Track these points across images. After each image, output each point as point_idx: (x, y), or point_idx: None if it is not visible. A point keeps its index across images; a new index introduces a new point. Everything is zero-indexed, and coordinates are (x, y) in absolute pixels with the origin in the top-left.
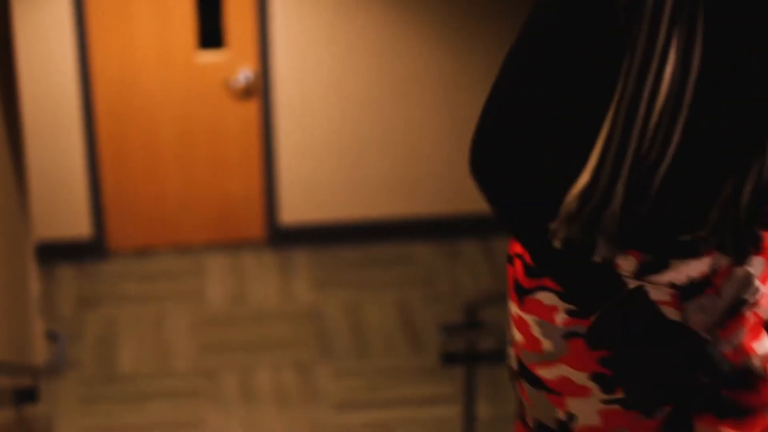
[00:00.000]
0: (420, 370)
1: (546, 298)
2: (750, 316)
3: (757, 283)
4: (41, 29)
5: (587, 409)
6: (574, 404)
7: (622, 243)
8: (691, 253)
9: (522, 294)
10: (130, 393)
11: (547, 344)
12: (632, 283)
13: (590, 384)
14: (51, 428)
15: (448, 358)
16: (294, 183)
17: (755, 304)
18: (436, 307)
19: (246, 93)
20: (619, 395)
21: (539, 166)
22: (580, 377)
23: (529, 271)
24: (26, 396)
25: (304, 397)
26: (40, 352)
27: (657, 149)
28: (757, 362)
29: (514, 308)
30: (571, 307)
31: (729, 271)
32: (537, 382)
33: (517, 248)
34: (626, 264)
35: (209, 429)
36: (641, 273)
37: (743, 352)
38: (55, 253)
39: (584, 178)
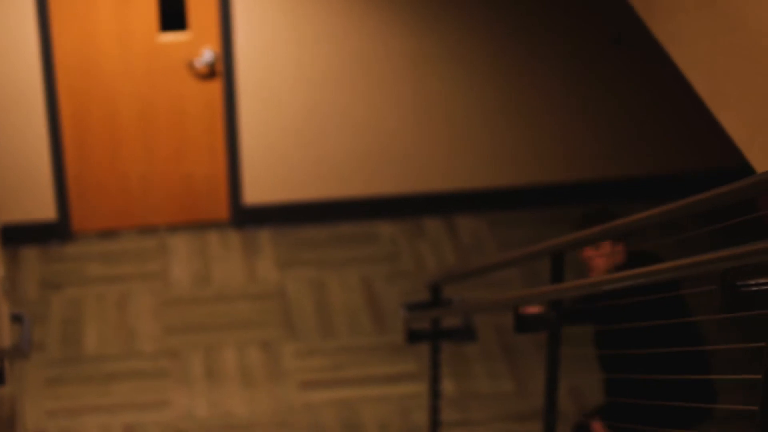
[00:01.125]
0: (384, 348)
1: None
2: None
3: None
4: (3, 14)
5: None
6: None
7: None
8: None
9: None
10: (95, 374)
11: None
12: None
13: None
14: (17, 410)
15: (413, 336)
16: (257, 163)
17: None
18: (400, 285)
19: (208, 74)
20: None
21: None
22: None
23: None
24: None
25: (269, 376)
26: (4, 335)
27: None
28: None
29: None
30: None
31: None
32: None
33: None
34: None
35: (175, 409)
36: None
37: None
38: (20, 236)
39: None
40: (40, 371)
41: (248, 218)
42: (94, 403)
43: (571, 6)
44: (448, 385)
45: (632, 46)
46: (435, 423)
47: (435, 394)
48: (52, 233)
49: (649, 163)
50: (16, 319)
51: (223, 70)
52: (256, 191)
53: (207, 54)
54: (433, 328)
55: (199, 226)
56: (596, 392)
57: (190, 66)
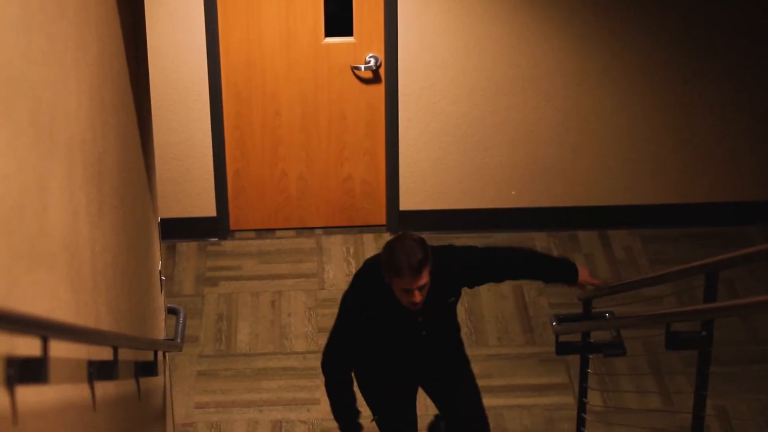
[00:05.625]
0: (533, 359)
1: None
2: None
3: None
4: (173, 14)
5: None
6: None
7: None
8: None
9: None
10: (246, 370)
11: None
12: None
13: None
14: (168, 401)
15: (562, 348)
16: (414, 169)
17: None
18: (551, 296)
19: (371, 79)
20: None
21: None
22: None
23: None
24: (146, 369)
25: None
26: (160, 327)
27: None
28: None
29: None
30: None
31: None
32: None
33: None
34: None
35: (322, 409)
36: None
37: None
38: (178, 230)
39: None
40: (192, 365)
41: (405, 223)
42: (242, 399)
43: (731, 27)
44: (594, 398)
45: None
46: None
47: (582, 406)
48: (210, 229)
49: None
50: (172, 312)
51: (386, 75)
52: (411, 197)
53: (371, 59)
54: (583, 341)
55: (356, 229)
56: (743, 412)
57: (354, 70)
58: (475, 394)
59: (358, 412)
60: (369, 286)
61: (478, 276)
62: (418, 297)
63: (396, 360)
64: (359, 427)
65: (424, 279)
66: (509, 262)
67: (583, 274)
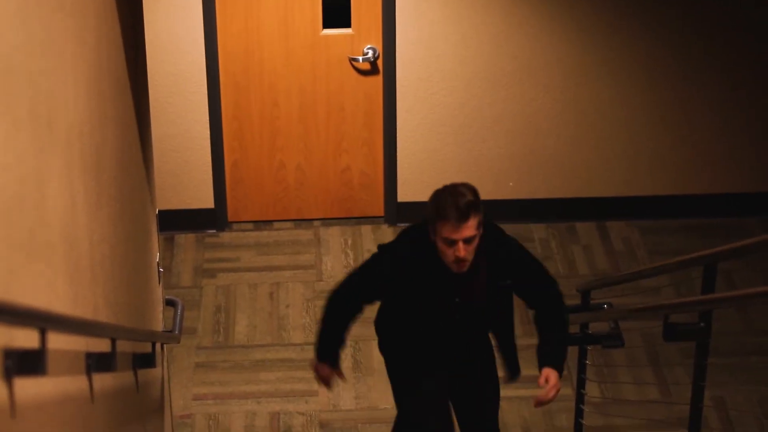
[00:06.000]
0: (531, 350)
1: None
2: None
3: None
4: (170, 5)
5: None
6: None
7: None
8: None
9: None
10: (244, 362)
11: None
12: None
13: None
14: (166, 393)
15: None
16: (412, 160)
17: None
18: None
19: (369, 71)
20: None
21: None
22: None
23: None
24: (144, 361)
25: None
26: (158, 319)
27: None
28: None
29: None
30: None
31: None
32: None
33: None
34: None
35: (320, 400)
36: None
37: None
38: (176, 222)
39: None
40: (190, 356)
41: (403, 215)
42: (240, 391)
43: (730, 20)
44: (593, 390)
45: None
46: (579, 426)
47: (580, 397)
48: (208, 221)
49: None
50: (170, 303)
51: (384, 67)
52: (409, 188)
53: (369, 50)
54: (581, 333)
55: (354, 221)
56: (740, 403)
57: (352, 62)
58: (493, 404)
59: (340, 344)
60: (412, 245)
61: (521, 272)
62: (462, 251)
63: (424, 337)
64: (336, 355)
65: (471, 229)
66: (541, 288)
67: (554, 375)
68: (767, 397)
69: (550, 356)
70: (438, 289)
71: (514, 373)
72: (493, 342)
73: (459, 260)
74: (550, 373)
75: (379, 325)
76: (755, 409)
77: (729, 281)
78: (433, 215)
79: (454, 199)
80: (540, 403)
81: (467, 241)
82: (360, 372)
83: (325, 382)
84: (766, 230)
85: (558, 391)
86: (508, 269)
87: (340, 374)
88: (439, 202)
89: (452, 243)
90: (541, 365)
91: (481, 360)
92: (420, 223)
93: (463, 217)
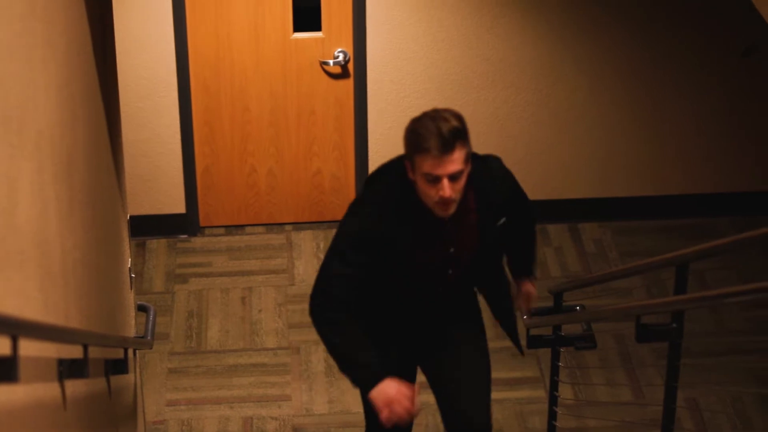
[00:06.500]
0: (504, 353)
1: None
2: None
3: None
4: (140, 9)
5: None
6: None
7: None
8: None
9: None
10: (216, 367)
11: None
12: None
13: None
14: (139, 399)
15: (533, 342)
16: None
17: None
18: None
19: (340, 74)
20: None
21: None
22: None
23: None
24: (117, 367)
25: None
26: (130, 325)
27: None
28: None
29: None
30: None
31: None
32: None
33: None
34: None
35: (294, 404)
36: None
37: None
38: (147, 227)
39: None
40: (163, 362)
41: None
42: (214, 396)
43: (702, 18)
44: (566, 392)
45: (763, 59)
46: (552, 429)
47: (553, 399)
48: (179, 226)
49: None
50: (142, 309)
51: (355, 70)
52: None
53: (340, 54)
54: (554, 334)
55: (325, 225)
56: (713, 404)
57: (322, 65)
58: (481, 376)
59: (370, 350)
60: (387, 189)
61: (512, 206)
62: (448, 190)
63: (400, 311)
64: (380, 372)
65: (457, 163)
66: (524, 210)
67: (531, 286)
68: (740, 397)
69: (526, 267)
70: (425, 240)
71: (511, 331)
72: (482, 298)
73: (444, 201)
74: (529, 286)
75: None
76: (728, 410)
77: (701, 281)
78: (411, 147)
79: (435, 125)
80: (528, 311)
81: (453, 177)
82: (333, 376)
83: (405, 403)
84: (738, 230)
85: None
86: (500, 205)
87: (411, 386)
88: (417, 130)
89: (435, 180)
90: (517, 276)
91: (465, 329)
92: (396, 160)
93: (447, 148)
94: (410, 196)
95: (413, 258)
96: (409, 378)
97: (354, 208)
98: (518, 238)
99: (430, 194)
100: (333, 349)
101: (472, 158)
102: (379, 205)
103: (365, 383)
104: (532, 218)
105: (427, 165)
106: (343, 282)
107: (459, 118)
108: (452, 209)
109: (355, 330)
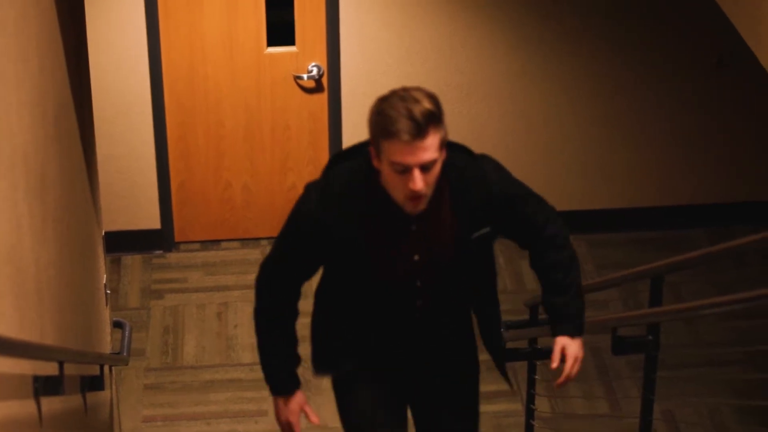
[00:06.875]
0: (481, 366)
1: None
2: None
3: None
4: (113, 26)
5: None
6: None
7: None
8: None
9: None
10: (193, 383)
11: None
12: None
13: None
14: (115, 416)
15: (509, 355)
16: None
17: None
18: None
19: (314, 88)
20: None
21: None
22: None
23: None
24: (93, 384)
25: None
26: (106, 341)
27: None
28: None
29: None
30: None
31: None
32: None
33: None
34: None
35: (271, 420)
36: None
37: None
38: (123, 243)
39: None
40: (139, 378)
41: None
42: (190, 412)
43: (675, 28)
44: (542, 405)
45: (737, 69)
46: None
47: (530, 413)
48: (155, 242)
49: (748, 189)
50: (118, 325)
51: (329, 84)
52: None
53: (313, 68)
54: (530, 347)
55: None
56: (689, 416)
57: (296, 80)
58: (469, 420)
59: (295, 362)
60: (350, 175)
61: (504, 211)
62: (418, 182)
63: (370, 328)
64: (295, 383)
65: (430, 151)
66: (533, 230)
67: (573, 345)
68: (716, 409)
69: (563, 319)
70: (383, 240)
71: (498, 359)
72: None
73: (414, 195)
74: (566, 343)
75: (317, 311)
76: (705, 422)
77: (677, 294)
78: (377, 130)
79: (405, 107)
80: (560, 385)
81: (425, 168)
82: (309, 391)
83: (289, 428)
84: (713, 242)
85: (579, 362)
86: (483, 209)
87: (310, 412)
88: (384, 111)
89: (404, 170)
90: (555, 333)
91: (453, 358)
92: (365, 143)
93: (418, 132)
94: (372, 186)
95: (368, 261)
96: (396, 411)
97: (304, 193)
98: (541, 271)
99: (397, 186)
100: (259, 337)
101: (457, 151)
102: (330, 193)
103: (270, 388)
104: (556, 245)
105: (395, 152)
106: (277, 271)
107: (432, 98)
108: (422, 205)
109: (282, 325)
